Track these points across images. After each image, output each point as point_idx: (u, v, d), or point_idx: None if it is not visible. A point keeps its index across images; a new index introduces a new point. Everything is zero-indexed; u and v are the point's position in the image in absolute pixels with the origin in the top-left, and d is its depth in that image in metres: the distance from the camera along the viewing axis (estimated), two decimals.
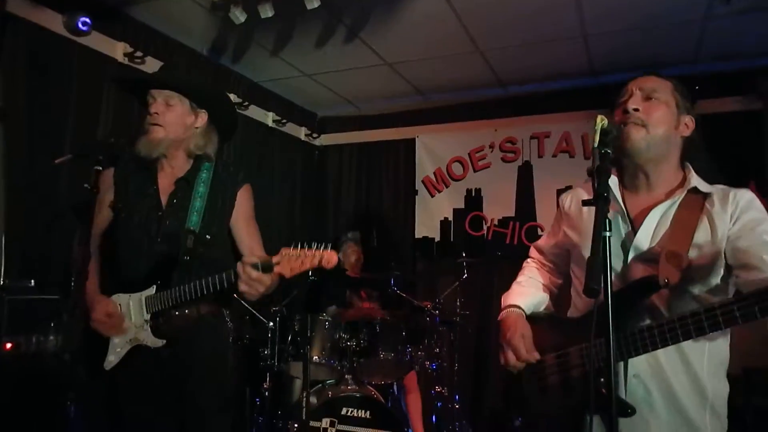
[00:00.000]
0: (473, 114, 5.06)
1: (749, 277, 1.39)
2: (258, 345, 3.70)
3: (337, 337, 3.52)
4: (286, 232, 5.00)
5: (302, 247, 1.82)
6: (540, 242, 1.97)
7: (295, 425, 3.33)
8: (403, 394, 4.07)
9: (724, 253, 1.47)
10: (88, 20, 3.14)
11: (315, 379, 3.62)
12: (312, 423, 3.24)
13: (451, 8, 3.45)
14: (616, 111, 1.61)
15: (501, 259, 4.64)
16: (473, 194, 5.04)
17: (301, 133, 5.39)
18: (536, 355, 1.63)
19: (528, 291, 1.85)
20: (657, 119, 1.55)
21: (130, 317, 2.06)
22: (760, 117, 4.05)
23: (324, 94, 5.00)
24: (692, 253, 1.47)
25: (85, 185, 1.91)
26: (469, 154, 5.06)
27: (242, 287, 1.87)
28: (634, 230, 1.56)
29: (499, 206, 4.92)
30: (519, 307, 1.77)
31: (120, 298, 2.08)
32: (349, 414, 3.31)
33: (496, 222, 4.92)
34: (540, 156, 4.81)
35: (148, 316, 2.04)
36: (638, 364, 1.48)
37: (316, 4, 3.17)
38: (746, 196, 1.51)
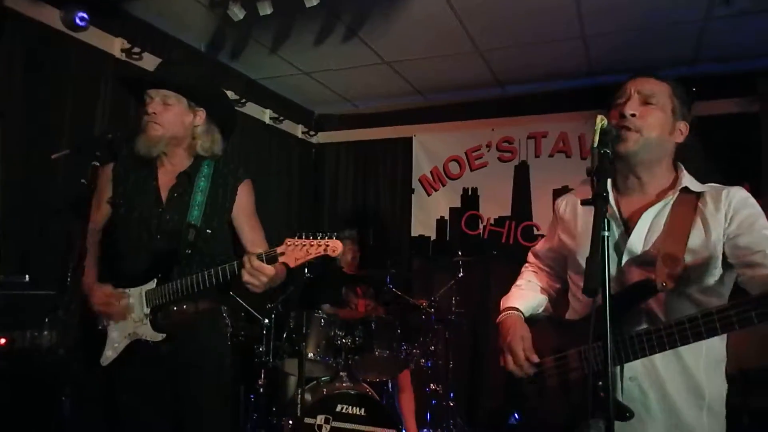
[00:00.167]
0: (470, 113, 5.07)
1: (756, 274, 1.38)
2: (253, 342, 3.69)
3: (333, 334, 3.52)
4: (282, 229, 4.98)
5: (306, 236, 1.82)
6: (537, 247, 1.98)
7: (290, 422, 3.33)
8: (396, 392, 4.08)
9: (724, 253, 1.47)
10: (85, 15, 3.13)
11: (310, 376, 3.62)
12: (306, 420, 3.25)
13: (450, 8, 3.45)
14: (612, 111, 1.60)
15: (497, 258, 4.65)
16: (470, 193, 5.05)
17: (298, 130, 5.39)
18: (535, 358, 1.64)
19: (526, 294, 1.86)
20: (652, 124, 1.55)
21: (130, 311, 2.05)
22: (758, 119, 4.06)
23: (322, 92, 4.99)
24: (688, 255, 1.47)
25: (83, 180, 1.90)
26: (466, 153, 5.06)
27: (246, 278, 1.87)
28: (628, 232, 1.56)
29: (495, 205, 4.93)
30: (518, 310, 1.78)
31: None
32: (343, 411, 3.31)
33: (492, 221, 4.93)
34: (537, 156, 4.82)
35: (147, 310, 2.04)
36: (634, 366, 1.48)
37: (315, 2, 3.17)
38: (739, 193, 1.51)
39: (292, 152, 5.32)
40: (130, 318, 2.05)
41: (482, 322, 4.71)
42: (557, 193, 4.58)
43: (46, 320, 2.56)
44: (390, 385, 4.05)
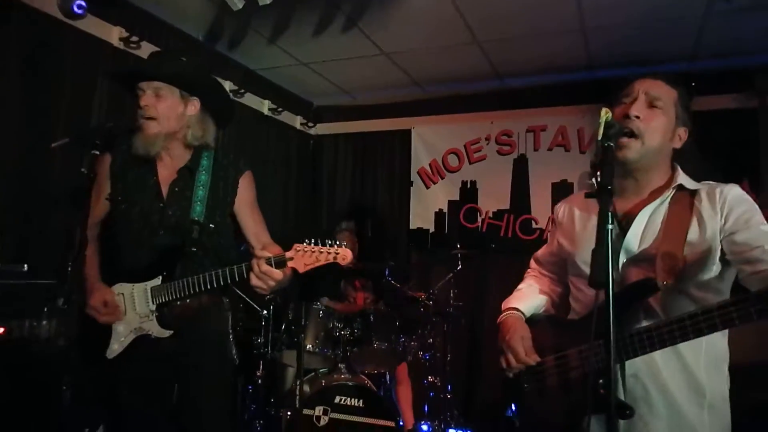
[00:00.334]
0: (470, 106, 5.05)
1: (755, 269, 1.39)
2: (252, 333, 3.70)
3: (331, 326, 3.52)
4: (280, 221, 4.99)
5: (315, 243, 1.84)
6: (538, 253, 2.01)
7: (288, 413, 3.34)
8: (394, 384, 4.09)
9: (722, 250, 1.48)
10: (83, 3, 3.09)
11: (308, 368, 3.63)
12: (305, 411, 3.26)
13: None
14: (616, 109, 1.60)
15: (495, 251, 4.66)
16: (468, 186, 5.05)
17: (297, 122, 5.37)
18: (536, 358, 1.65)
19: (527, 295, 1.88)
20: (655, 129, 1.55)
21: (133, 307, 2.05)
22: (756, 115, 4.07)
23: (320, 84, 4.97)
24: (687, 253, 1.48)
25: (82, 170, 1.89)
26: (464, 146, 5.06)
27: (254, 281, 1.89)
28: (624, 232, 1.57)
29: (494, 199, 4.93)
30: (518, 310, 1.80)
31: (123, 288, 2.07)
32: (342, 402, 3.32)
33: (490, 214, 4.93)
34: (536, 149, 4.81)
35: (153, 306, 2.03)
36: (635, 363, 1.48)
37: None
38: (733, 191, 1.52)
39: (291, 143, 5.30)
40: (135, 314, 2.04)
41: (480, 315, 4.74)
42: (556, 187, 4.59)
43: (45, 310, 2.55)
44: (388, 377, 4.07)
